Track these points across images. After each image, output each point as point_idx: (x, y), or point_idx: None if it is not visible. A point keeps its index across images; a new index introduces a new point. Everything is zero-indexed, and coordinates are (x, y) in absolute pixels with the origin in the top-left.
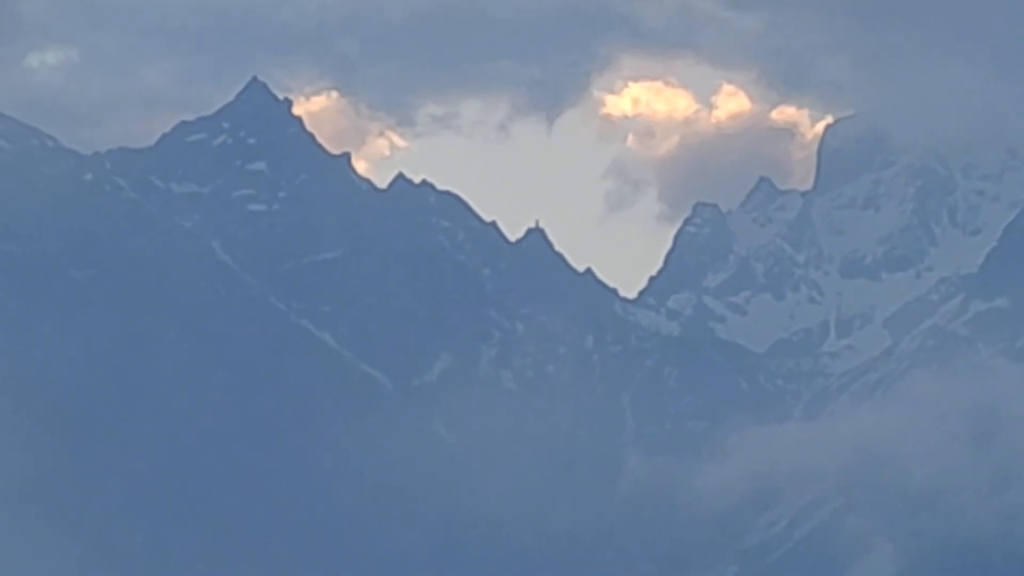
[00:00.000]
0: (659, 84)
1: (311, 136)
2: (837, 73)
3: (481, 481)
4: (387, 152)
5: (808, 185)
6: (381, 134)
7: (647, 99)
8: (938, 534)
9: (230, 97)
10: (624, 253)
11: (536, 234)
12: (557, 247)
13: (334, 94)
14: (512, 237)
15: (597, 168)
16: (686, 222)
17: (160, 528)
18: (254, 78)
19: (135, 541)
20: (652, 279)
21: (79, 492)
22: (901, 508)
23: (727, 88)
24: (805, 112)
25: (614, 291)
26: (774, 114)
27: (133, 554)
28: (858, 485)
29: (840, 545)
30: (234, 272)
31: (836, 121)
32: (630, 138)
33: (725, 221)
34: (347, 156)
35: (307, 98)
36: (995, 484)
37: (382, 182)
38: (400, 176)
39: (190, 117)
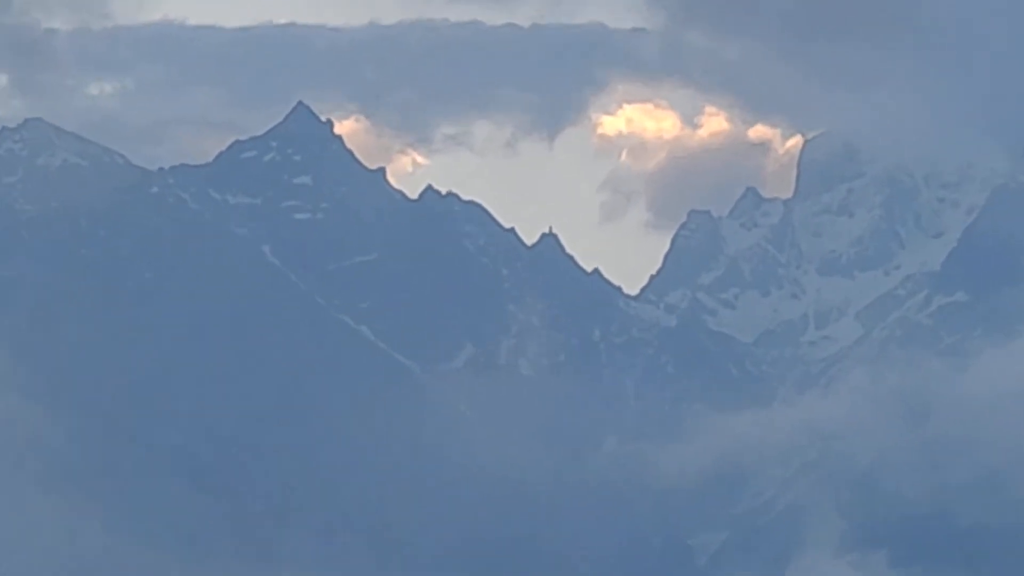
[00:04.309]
0: (649, 106)
1: (350, 153)
2: (807, 95)
3: (498, 451)
4: (410, 168)
5: (787, 194)
6: (403, 151)
7: (639, 119)
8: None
9: (271, 119)
10: (622, 256)
11: (550, 238)
12: (568, 250)
13: (361, 117)
14: (528, 241)
15: (594, 181)
16: (682, 227)
17: (209, 496)
18: (299, 102)
19: (182, 513)
20: (652, 278)
21: (136, 467)
22: (848, 480)
23: (709, 110)
24: (778, 131)
25: (618, 289)
26: (750, 132)
27: (178, 527)
28: (819, 460)
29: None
30: (282, 273)
31: (813, 137)
32: (623, 154)
33: (716, 226)
34: (382, 170)
35: (338, 121)
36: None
37: (413, 193)
38: (429, 187)
39: (234, 137)
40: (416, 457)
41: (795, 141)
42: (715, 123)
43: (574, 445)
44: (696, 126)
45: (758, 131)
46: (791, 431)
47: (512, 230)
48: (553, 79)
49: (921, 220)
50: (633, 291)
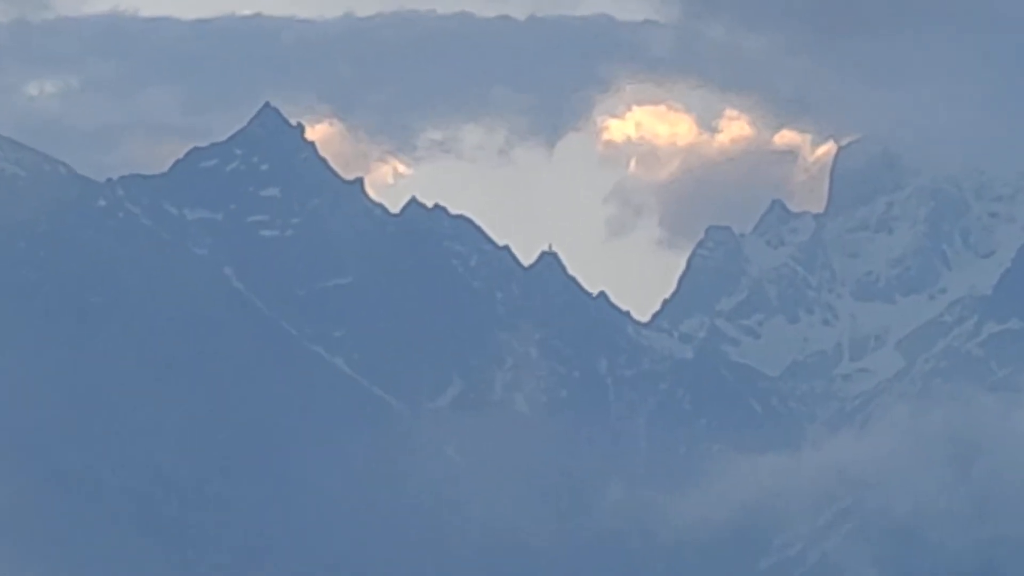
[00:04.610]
0: (662, 108)
1: (324, 161)
2: (841, 96)
3: (491, 499)
4: (390, 179)
5: (818, 208)
6: (382, 159)
7: (649, 123)
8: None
9: (235, 123)
10: (632, 278)
11: (549, 258)
12: (570, 271)
13: (334, 120)
14: (525, 261)
15: (599, 193)
16: (699, 245)
17: (164, 548)
18: (267, 104)
19: (135, 566)
20: (665, 302)
21: (83, 516)
22: (886, 531)
23: (729, 113)
24: (807, 137)
25: (627, 315)
26: (776, 138)
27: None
28: (854, 509)
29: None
30: (247, 297)
31: (848, 144)
32: (632, 163)
33: (738, 244)
34: (360, 181)
35: (309, 125)
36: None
37: (394, 206)
38: (413, 200)
39: (193, 143)
40: (398, 505)
41: (827, 148)
42: (736, 128)
43: (577, 492)
44: (714, 131)
45: (785, 137)
46: (822, 476)
47: (507, 248)
48: (552, 78)
49: (970, 238)
50: (644, 317)
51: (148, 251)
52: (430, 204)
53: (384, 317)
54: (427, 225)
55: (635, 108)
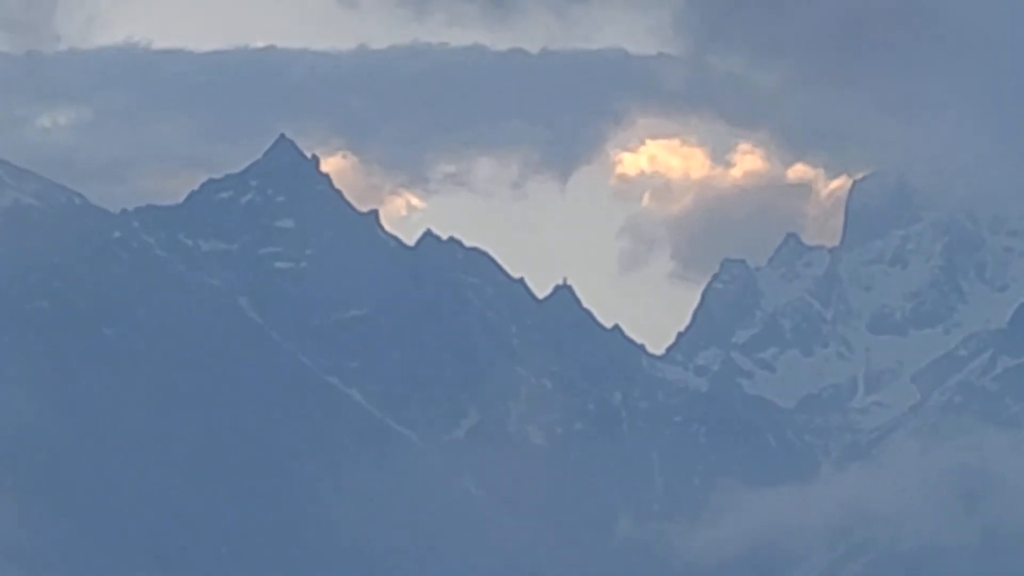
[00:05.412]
0: (675, 142)
1: (339, 193)
2: (855, 130)
3: (506, 531)
4: (404, 211)
5: (833, 241)
6: (396, 192)
7: (663, 157)
8: None
9: (249, 154)
10: (646, 311)
11: (564, 291)
12: (585, 304)
13: (348, 152)
14: (540, 294)
15: (613, 227)
16: (713, 278)
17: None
18: (282, 136)
19: None
20: (680, 335)
21: (94, 556)
22: (900, 567)
23: (743, 146)
24: (821, 170)
25: (642, 348)
26: (790, 172)
27: None
28: (867, 544)
29: None
30: (262, 329)
31: (862, 177)
32: (646, 196)
33: (753, 277)
34: (374, 213)
35: (323, 157)
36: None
37: (409, 239)
38: (428, 233)
39: (207, 175)
40: (412, 536)
41: (841, 182)
42: (750, 161)
43: (591, 524)
44: (728, 165)
45: (799, 171)
46: (836, 510)
47: (521, 281)
48: (566, 111)
49: (985, 272)
50: (658, 350)
51: (163, 282)
52: (444, 237)
53: (399, 349)
54: (442, 258)
55: (648, 142)
